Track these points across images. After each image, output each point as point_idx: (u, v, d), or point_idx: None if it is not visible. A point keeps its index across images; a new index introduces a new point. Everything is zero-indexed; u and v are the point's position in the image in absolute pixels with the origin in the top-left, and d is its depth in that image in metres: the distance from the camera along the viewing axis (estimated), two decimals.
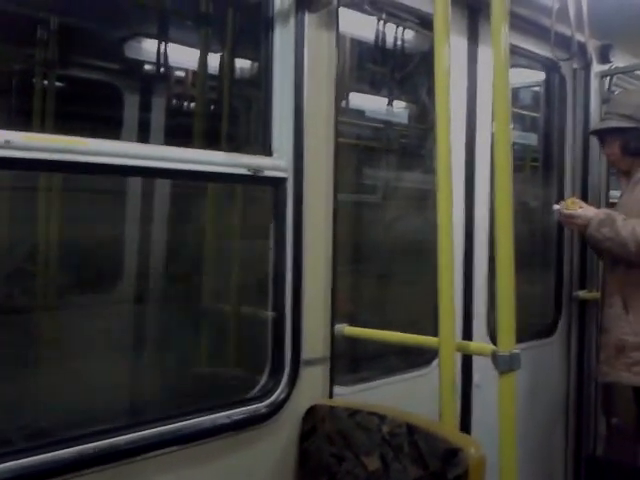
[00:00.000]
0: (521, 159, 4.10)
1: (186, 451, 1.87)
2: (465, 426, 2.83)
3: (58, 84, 2.83)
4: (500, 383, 2.05)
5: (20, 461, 1.56)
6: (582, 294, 3.60)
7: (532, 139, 3.88)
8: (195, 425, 1.89)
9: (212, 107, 2.88)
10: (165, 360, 2.71)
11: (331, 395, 2.27)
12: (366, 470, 2.04)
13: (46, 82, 2.78)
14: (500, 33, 1.99)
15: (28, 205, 2.70)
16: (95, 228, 2.70)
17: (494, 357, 2.05)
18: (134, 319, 2.88)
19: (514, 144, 3.71)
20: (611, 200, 3.71)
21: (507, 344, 2.04)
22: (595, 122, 3.56)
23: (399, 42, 3.11)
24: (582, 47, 3.16)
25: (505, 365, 2.02)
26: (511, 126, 2.07)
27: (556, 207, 3.11)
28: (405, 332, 2.36)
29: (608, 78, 3.67)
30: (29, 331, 2.56)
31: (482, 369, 2.66)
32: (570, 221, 3.08)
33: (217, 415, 1.95)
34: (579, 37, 3.06)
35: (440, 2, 2.02)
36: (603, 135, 3.28)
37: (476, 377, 2.88)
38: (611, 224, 2.93)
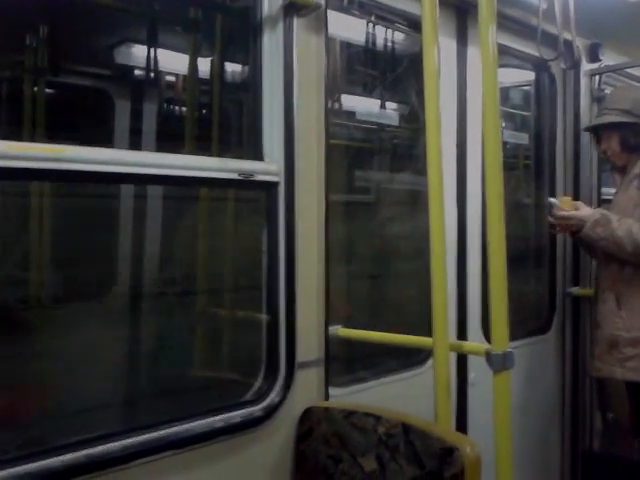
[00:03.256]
0: (513, 158, 4.12)
1: (181, 456, 1.87)
2: (461, 425, 2.84)
3: (48, 91, 2.83)
4: (494, 382, 2.06)
5: (7, 471, 1.53)
6: (575, 290, 3.62)
7: (523, 138, 3.89)
8: (190, 429, 1.89)
9: (203, 112, 2.89)
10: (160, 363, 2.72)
11: (327, 397, 2.28)
12: (363, 471, 2.05)
13: (36, 89, 2.78)
14: (488, 33, 1.99)
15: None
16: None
17: (488, 356, 2.06)
18: (129, 323, 2.89)
19: (506, 143, 3.76)
20: (603, 197, 3.74)
21: (500, 343, 2.05)
22: (585, 120, 3.58)
23: (389, 44, 3.12)
24: (570, 46, 3.18)
25: (499, 364, 2.03)
26: (501, 125, 2.08)
27: (552, 200, 3.12)
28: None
29: (597, 77, 3.69)
30: None
31: (477, 368, 2.67)
32: (565, 223, 3.10)
33: (212, 419, 1.95)
34: (566, 36, 3.08)
35: (428, 4, 2.03)
36: (599, 131, 3.29)
37: (471, 376, 2.89)
38: (606, 224, 2.94)
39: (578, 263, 3.61)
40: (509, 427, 2.07)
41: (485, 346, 2.14)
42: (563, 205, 3.07)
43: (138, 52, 3.00)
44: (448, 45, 2.85)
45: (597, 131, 3.32)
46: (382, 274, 3.35)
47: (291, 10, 2.14)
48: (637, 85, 3.90)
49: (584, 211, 3.06)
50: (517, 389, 3.13)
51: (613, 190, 3.39)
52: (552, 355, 3.56)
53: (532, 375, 3.37)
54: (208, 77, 2.77)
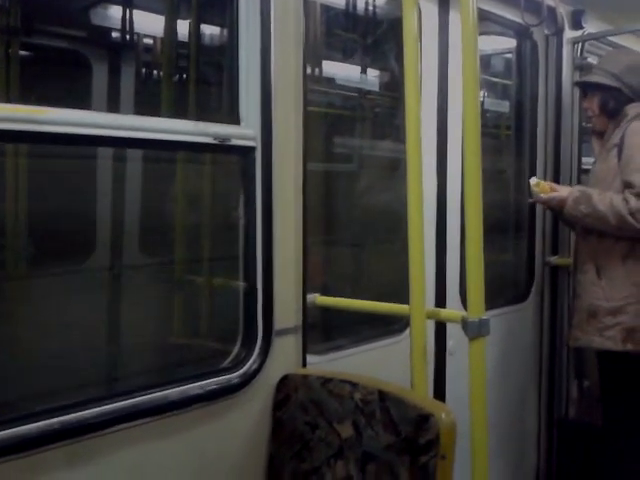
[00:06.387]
0: (494, 127, 4.10)
1: (158, 423, 1.86)
2: (439, 392, 2.87)
3: (22, 53, 2.76)
4: (470, 349, 2.07)
5: None
6: (554, 260, 3.63)
7: (504, 106, 3.87)
8: (166, 397, 1.88)
9: (180, 75, 2.83)
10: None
11: (304, 364, 2.28)
12: (339, 437, 2.06)
13: (10, 50, 2.71)
14: None
15: None
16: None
17: (464, 323, 2.07)
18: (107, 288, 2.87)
19: (487, 111, 3.74)
20: (583, 167, 3.74)
21: (476, 310, 2.05)
22: (567, 88, 3.56)
23: (370, 7, 3.07)
24: (553, 12, 3.14)
25: (474, 331, 2.04)
26: (480, 93, 2.06)
27: (532, 182, 3.11)
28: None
29: (580, 44, 3.66)
30: None
31: (455, 336, 2.68)
32: (547, 204, 3.13)
33: (189, 386, 1.94)
34: (549, 2, 3.04)
35: None
36: (586, 88, 3.26)
37: (450, 344, 2.91)
38: (587, 200, 2.93)
39: (557, 232, 3.63)
40: (484, 393, 2.09)
41: (461, 313, 2.15)
42: (540, 190, 3.06)
43: (114, 13, 2.93)
44: (430, 10, 2.80)
45: (585, 88, 3.30)
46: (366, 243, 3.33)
47: None
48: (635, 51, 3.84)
49: (562, 191, 3.05)
50: (495, 357, 3.16)
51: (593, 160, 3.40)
52: (530, 324, 3.59)
53: (510, 343, 3.40)
54: (185, 39, 2.71)
